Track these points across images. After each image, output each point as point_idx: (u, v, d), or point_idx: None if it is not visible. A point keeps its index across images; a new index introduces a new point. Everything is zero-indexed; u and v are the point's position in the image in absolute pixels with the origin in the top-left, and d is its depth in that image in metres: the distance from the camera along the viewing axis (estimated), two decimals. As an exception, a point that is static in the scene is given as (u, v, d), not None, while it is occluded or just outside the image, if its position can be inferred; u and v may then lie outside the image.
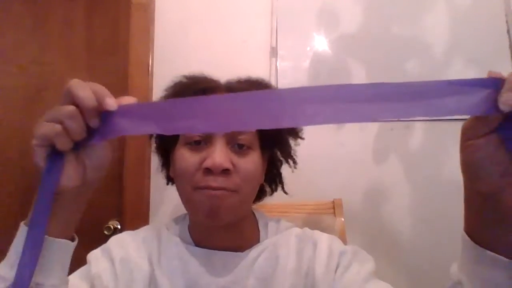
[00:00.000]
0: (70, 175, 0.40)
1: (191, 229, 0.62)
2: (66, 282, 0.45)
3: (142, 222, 1.14)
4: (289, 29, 1.22)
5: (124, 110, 0.39)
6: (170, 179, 0.67)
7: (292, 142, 0.66)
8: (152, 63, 1.24)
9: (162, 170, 0.68)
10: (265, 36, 1.23)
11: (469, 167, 0.37)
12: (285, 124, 0.37)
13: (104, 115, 0.39)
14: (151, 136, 0.66)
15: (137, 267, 0.57)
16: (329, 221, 0.92)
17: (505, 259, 0.36)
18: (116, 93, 0.40)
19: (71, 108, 0.37)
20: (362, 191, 1.12)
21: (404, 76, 1.14)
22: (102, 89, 0.38)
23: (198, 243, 0.60)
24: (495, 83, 0.33)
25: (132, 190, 1.19)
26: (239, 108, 0.38)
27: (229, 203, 0.53)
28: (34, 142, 0.38)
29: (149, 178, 1.19)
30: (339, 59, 1.19)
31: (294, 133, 0.65)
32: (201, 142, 0.55)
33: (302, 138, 0.66)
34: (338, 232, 0.89)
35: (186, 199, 0.56)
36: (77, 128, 0.37)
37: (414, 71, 1.14)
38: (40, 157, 0.39)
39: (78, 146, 0.40)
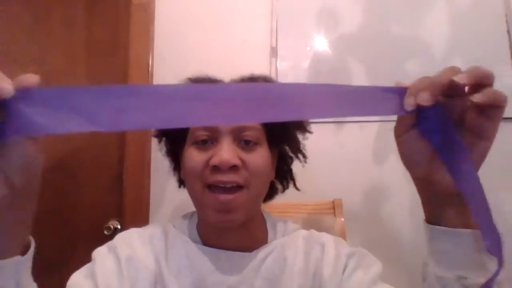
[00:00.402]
0: None
1: (200, 227, 0.61)
2: None
3: (142, 222, 1.14)
4: (289, 29, 1.22)
5: (34, 97, 0.32)
6: (182, 182, 0.67)
7: (300, 136, 0.65)
8: (152, 63, 1.24)
9: (174, 174, 0.68)
10: (265, 36, 1.23)
11: (404, 158, 0.44)
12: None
13: (9, 105, 0.32)
14: (160, 140, 0.65)
15: (143, 266, 0.56)
16: (329, 221, 0.92)
17: (448, 228, 0.42)
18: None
19: None
20: (362, 191, 1.12)
21: (404, 76, 1.13)
22: None
23: (206, 242, 0.59)
24: (402, 91, 0.40)
25: (132, 190, 1.19)
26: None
27: (241, 201, 0.53)
28: None
29: (149, 178, 1.19)
30: (339, 59, 1.19)
31: (302, 127, 0.64)
32: (208, 141, 0.54)
33: (310, 132, 0.65)
34: (338, 232, 0.89)
35: (196, 199, 0.56)
36: None
37: (414, 71, 1.14)
38: None
39: None
